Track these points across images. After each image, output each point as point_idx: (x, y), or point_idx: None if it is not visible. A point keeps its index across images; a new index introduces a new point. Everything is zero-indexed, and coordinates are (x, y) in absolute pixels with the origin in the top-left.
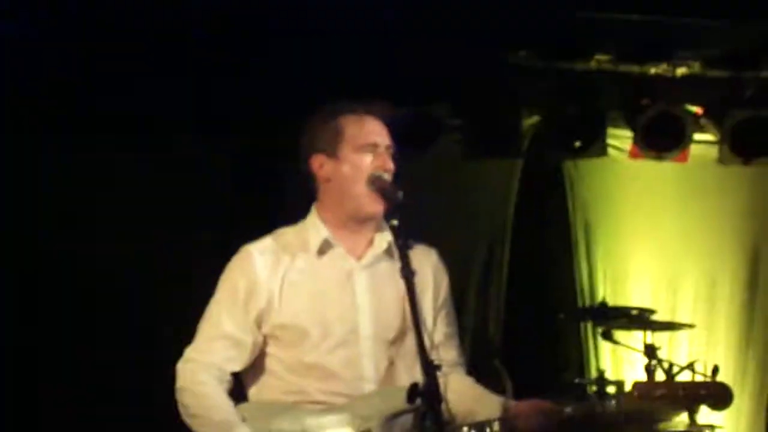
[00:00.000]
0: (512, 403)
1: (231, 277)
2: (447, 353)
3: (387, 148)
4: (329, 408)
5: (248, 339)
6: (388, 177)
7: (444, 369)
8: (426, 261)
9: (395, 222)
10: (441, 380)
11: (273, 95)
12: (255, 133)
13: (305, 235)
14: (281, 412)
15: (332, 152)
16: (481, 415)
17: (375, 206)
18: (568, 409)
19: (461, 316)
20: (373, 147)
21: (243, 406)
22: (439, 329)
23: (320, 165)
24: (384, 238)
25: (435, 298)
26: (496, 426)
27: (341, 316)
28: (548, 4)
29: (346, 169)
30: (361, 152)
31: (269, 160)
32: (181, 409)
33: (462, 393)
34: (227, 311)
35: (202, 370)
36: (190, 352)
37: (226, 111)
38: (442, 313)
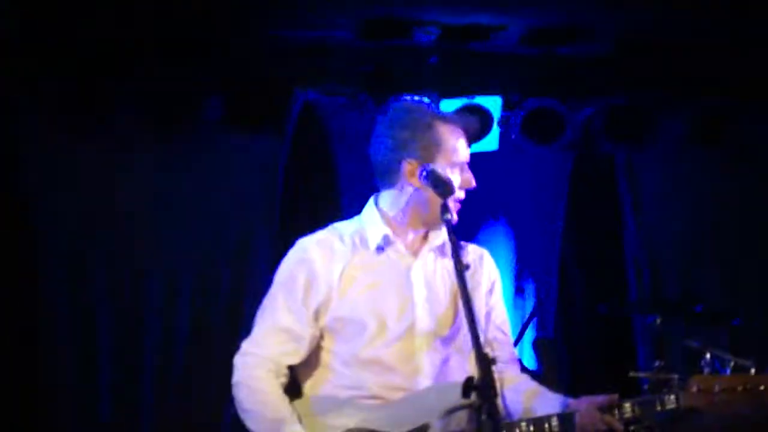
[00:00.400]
0: (571, 400)
1: (288, 270)
2: (502, 350)
3: (467, 161)
4: (386, 403)
5: (306, 332)
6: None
7: (499, 366)
8: (479, 260)
9: (448, 216)
10: (496, 376)
11: None
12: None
13: (363, 230)
14: (338, 407)
15: (430, 159)
16: (539, 411)
17: (454, 215)
18: (627, 405)
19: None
20: (463, 161)
21: (299, 402)
22: (492, 326)
23: (412, 171)
24: (437, 235)
25: (488, 296)
26: (554, 421)
27: (399, 311)
28: None
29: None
30: (455, 166)
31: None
32: (236, 404)
33: (519, 389)
34: (285, 304)
35: (258, 364)
36: (246, 345)
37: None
38: (496, 311)
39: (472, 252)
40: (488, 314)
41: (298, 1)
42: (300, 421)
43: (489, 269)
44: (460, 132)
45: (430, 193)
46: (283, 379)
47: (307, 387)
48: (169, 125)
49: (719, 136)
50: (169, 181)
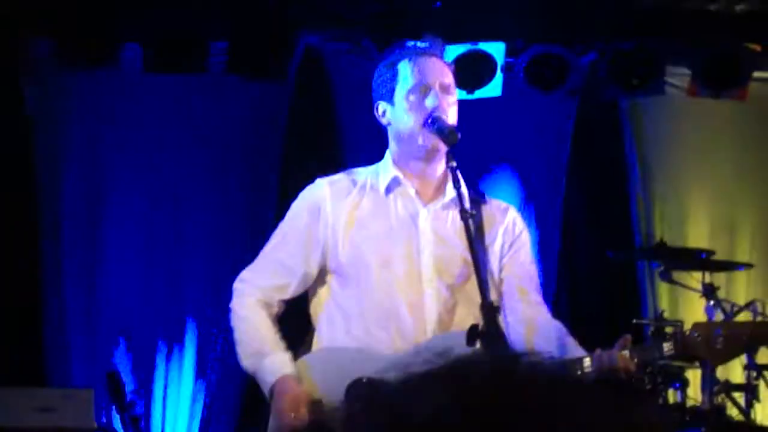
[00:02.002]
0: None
1: (298, 206)
2: (527, 294)
3: (442, 87)
4: (393, 355)
5: (300, 269)
6: (445, 117)
7: (526, 309)
8: (500, 213)
9: (454, 164)
10: (516, 319)
11: None
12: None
13: (377, 174)
14: (348, 359)
15: (390, 98)
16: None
17: (431, 140)
18: (624, 353)
19: None
20: (424, 88)
21: (310, 355)
22: (517, 272)
23: (383, 111)
24: (454, 189)
25: (507, 247)
26: (587, 362)
27: (405, 256)
28: None
29: (400, 111)
30: (413, 94)
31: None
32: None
33: (550, 339)
34: (285, 239)
35: (250, 293)
36: (245, 272)
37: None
38: (519, 259)
39: (495, 207)
40: (509, 263)
41: None
42: (302, 375)
43: (511, 223)
44: (418, 58)
45: (396, 128)
46: (275, 309)
47: (322, 334)
48: (174, 69)
49: (727, 83)
50: (174, 125)
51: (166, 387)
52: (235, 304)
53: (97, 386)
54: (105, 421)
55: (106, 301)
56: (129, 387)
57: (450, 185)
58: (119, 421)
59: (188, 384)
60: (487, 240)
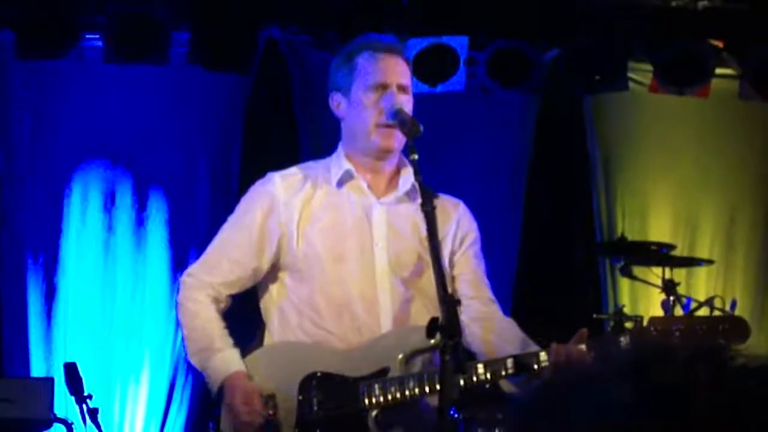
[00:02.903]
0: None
1: (250, 200)
2: (480, 291)
3: (400, 87)
4: (347, 347)
5: (250, 265)
6: (407, 110)
7: (480, 308)
8: (452, 209)
9: (415, 156)
10: (472, 317)
11: None
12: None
13: (329, 167)
14: (301, 354)
15: (346, 91)
16: (504, 353)
17: (385, 140)
18: (581, 347)
19: None
20: (382, 86)
21: (261, 350)
22: (468, 269)
23: (337, 104)
24: (408, 180)
25: (458, 244)
26: (509, 363)
27: (357, 249)
28: None
29: (355, 107)
30: (369, 91)
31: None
32: (179, 323)
33: (506, 337)
34: (236, 233)
35: (199, 287)
36: (194, 267)
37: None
38: (471, 258)
39: (446, 201)
40: (461, 260)
41: None
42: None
43: (462, 218)
44: (379, 56)
45: (350, 123)
46: (223, 305)
47: (274, 329)
48: (135, 59)
49: (690, 79)
50: (135, 116)
51: (125, 378)
52: (184, 298)
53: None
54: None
55: (65, 292)
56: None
57: (403, 178)
58: (78, 412)
59: (148, 377)
60: (440, 234)
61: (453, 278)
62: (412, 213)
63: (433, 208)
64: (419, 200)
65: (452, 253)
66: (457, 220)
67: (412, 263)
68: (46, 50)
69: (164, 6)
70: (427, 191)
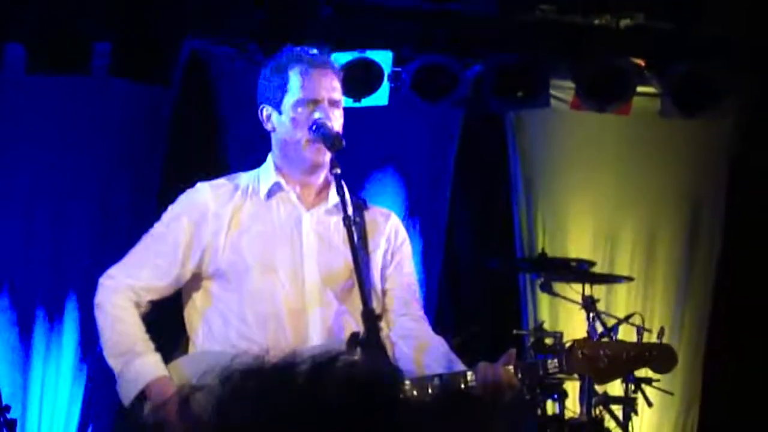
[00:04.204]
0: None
1: (178, 208)
2: (410, 308)
3: (331, 102)
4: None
5: (173, 271)
6: (330, 124)
7: (410, 324)
8: (382, 221)
9: (338, 171)
10: (400, 333)
11: None
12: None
13: (258, 178)
14: (224, 362)
15: (277, 104)
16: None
17: (317, 155)
18: (509, 368)
19: None
20: (313, 102)
21: (184, 358)
22: (399, 285)
23: (267, 116)
24: (337, 195)
25: (390, 258)
26: (436, 381)
27: (287, 261)
28: None
29: (287, 122)
30: (302, 106)
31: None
32: (98, 325)
33: (434, 355)
34: (162, 239)
35: (120, 290)
36: (115, 269)
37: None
38: (401, 271)
39: (377, 213)
40: (392, 275)
41: None
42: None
43: (393, 230)
44: (311, 71)
45: (281, 137)
46: (143, 309)
47: (198, 338)
48: (57, 70)
49: (611, 97)
50: (56, 127)
51: (42, 386)
52: (103, 299)
53: None
54: None
55: None
56: (4, 390)
57: (333, 191)
58: None
59: (66, 383)
60: (371, 247)
61: (384, 292)
62: (342, 225)
63: (355, 221)
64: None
65: (384, 267)
66: (388, 234)
67: (343, 276)
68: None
69: (86, 17)
70: (357, 203)
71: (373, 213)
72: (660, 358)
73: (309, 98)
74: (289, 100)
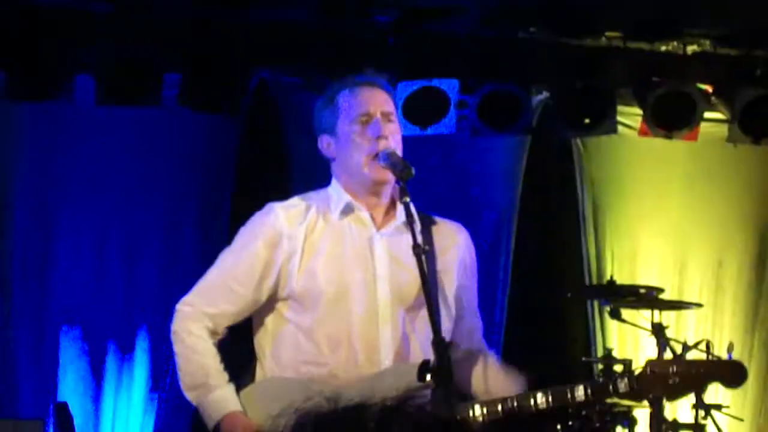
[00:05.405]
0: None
1: (250, 231)
2: (475, 328)
3: (384, 114)
4: (343, 383)
5: (250, 296)
6: (390, 145)
7: (475, 345)
8: (453, 237)
9: (407, 199)
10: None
11: None
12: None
13: (329, 198)
14: (294, 390)
15: (333, 130)
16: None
17: (380, 173)
18: (579, 388)
19: None
20: (366, 116)
21: (254, 386)
22: (466, 305)
23: (327, 145)
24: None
25: (462, 274)
26: (512, 402)
27: (361, 284)
28: None
29: (343, 143)
30: (355, 124)
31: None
32: (174, 353)
33: (493, 380)
34: (236, 264)
35: (196, 318)
36: (191, 296)
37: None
38: (469, 289)
39: (447, 228)
40: (462, 294)
41: None
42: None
43: (464, 247)
44: (357, 89)
45: (341, 161)
46: (219, 337)
47: (268, 361)
48: (127, 101)
49: (678, 123)
50: (126, 157)
51: (114, 417)
52: (180, 329)
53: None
54: None
55: (55, 333)
56: (77, 419)
57: (399, 208)
58: None
59: (137, 413)
60: (440, 265)
61: (456, 300)
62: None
63: (425, 250)
64: (418, 227)
65: (456, 284)
66: (459, 249)
67: (415, 294)
68: (38, 91)
69: (156, 48)
70: (424, 219)
71: (441, 228)
72: (729, 373)
73: (359, 113)
74: (343, 121)
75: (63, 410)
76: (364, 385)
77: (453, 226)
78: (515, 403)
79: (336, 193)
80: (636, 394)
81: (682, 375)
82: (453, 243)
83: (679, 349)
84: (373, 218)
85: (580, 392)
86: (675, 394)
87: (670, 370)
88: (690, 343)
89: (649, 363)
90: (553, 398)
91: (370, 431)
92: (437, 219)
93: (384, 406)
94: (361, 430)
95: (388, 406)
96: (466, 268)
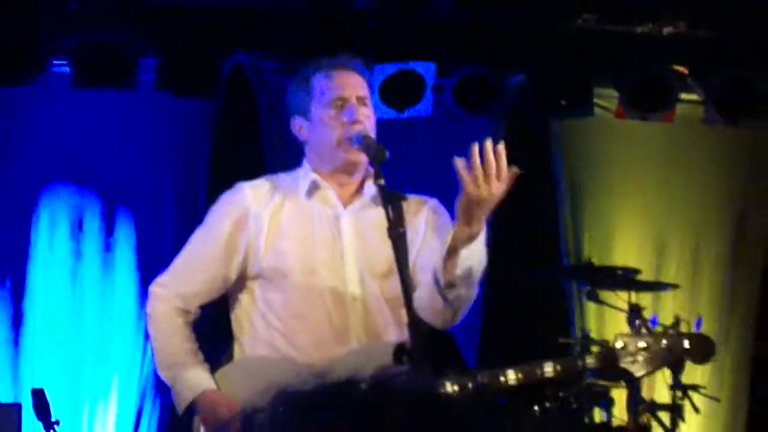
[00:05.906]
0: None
1: (219, 210)
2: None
3: (359, 99)
4: (315, 364)
5: (220, 274)
6: (362, 128)
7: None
8: (420, 209)
9: (382, 181)
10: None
11: None
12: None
13: (297, 178)
14: (270, 369)
15: (306, 113)
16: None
17: (354, 155)
18: (548, 364)
19: None
20: (341, 100)
21: (229, 367)
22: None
23: (299, 127)
24: (373, 186)
25: (426, 236)
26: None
27: (328, 261)
28: None
29: (317, 126)
30: (329, 107)
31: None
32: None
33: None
34: (206, 243)
35: (167, 299)
36: (162, 277)
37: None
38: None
39: (414, 203)
40: (422, 261)
41: None
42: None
43: (431, 215)
44: (332, 72)
45: (314, 142)
46: (192, 316)
47: (241, 342)
48: (103, 84)
49: (654, 105)
50: (103, 141)
51: (93, 404)
52: (152, 309)
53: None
54: None
55: (33, 317)
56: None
57: (366, 185)
58: None
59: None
60: (409, 239)
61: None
62: (380, 218)
63: (401, 233)
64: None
65: (426, 253)
66: (426, 218)
67: (384, 271)
68: (14, 76)
69: (132, 32)
70: (396, 197)
71: (410, 204)
72: (698, 346)
73: (334, 97)
74: (317, 105)
75: (40, 396)
76: (337, 363)
77: (420, 199)
78: (486, 380)
79: (304, 172)
80: (604, 369)
81: (650, 349)
82: (419, 214)
83: (656, 331)
84: (340, 196)
85: (548, 368)
86: (644, 369)
87: (638, 344)
88: (667, 323)
89: (618, 336)
90: (522, 375)
91: (363, 400)
92: (408, 196)
93: (375, 380)
94: (355, 400)
95: (379, 378)
96: (435, 230)
